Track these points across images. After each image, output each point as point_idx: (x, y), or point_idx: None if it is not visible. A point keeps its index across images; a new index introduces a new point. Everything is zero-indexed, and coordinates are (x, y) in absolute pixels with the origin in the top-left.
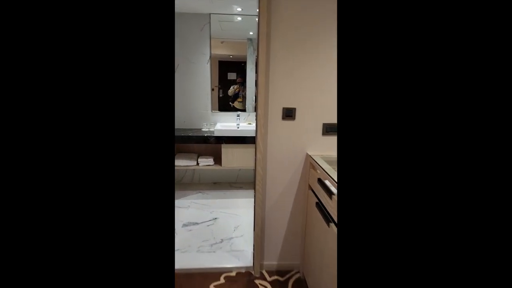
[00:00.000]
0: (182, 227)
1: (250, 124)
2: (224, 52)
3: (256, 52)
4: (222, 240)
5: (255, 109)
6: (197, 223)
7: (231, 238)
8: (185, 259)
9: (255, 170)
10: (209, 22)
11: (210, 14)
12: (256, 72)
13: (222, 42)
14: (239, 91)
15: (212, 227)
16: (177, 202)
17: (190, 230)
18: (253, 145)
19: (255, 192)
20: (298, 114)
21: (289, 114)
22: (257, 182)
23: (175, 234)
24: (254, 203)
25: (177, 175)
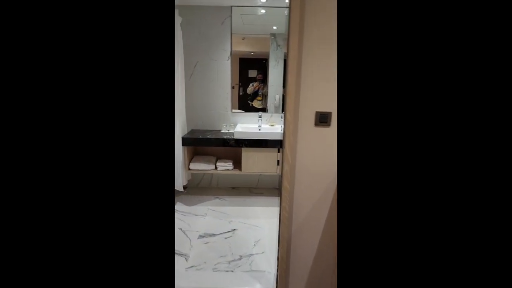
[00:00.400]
0: (198, 238)
1: (272, 125)
2: (245, 49)
3: (279, 48)
4: (241, 256)
5: (283, 111)
6: (214, 235)
7: (251, 254)
8: (200, 278)
9: (280, 184)
10: (231, 16)
11: (231, 6)
12: (285, 70)
13: (243, 39)
14: (258, 89)
15: (230, 240)
16: (194, 209)
17: (207, 243)
18: (275, 149)
19: (280, 210)
20: (334, 119)
21: (323, 119)
22: (283, 198)
23: (191, 247)
24: (279, 222)
25: (194, 178)
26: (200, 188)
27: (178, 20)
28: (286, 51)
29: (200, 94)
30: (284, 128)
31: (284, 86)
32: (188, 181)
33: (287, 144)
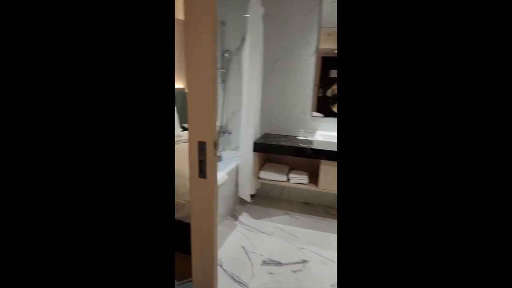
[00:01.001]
0: (261, 265)
1: None
2: (329, 46)
3: None
4: None
5: None
6: (280, 264)
7: None
8: None
9: None
10: (321, 2)
11: None
12: None
13: (328, 35)
14: None
15: (299, 276)
16: (260, 224)
17: (271, 274)
18: None
19: None
20: None
21: None
22: None
23: (252, 275)
24: None
25: (263, 187)
26: (269, 199)
27: (260, 11)
28: None
29: (277, 94)
30: None
31: None
32: (257, 189)
33: None
